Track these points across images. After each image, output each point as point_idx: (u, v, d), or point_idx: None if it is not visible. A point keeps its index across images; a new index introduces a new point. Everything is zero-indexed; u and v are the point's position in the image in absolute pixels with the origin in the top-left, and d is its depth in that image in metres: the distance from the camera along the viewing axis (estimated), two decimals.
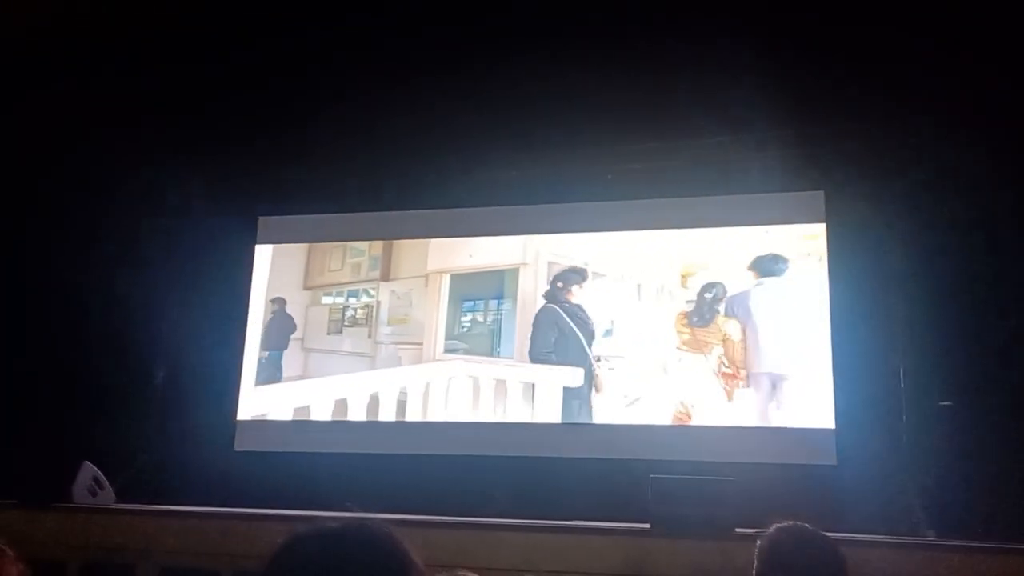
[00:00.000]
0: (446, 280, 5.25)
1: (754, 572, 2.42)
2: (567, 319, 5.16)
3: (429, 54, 5.17)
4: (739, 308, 3.96)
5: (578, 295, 5.12)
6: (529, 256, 5.10)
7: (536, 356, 5.39)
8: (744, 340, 3.81)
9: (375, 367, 5.80)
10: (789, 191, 5.67)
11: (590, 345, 5.15)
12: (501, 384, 5.23)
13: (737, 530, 3.88)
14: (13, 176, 5.86)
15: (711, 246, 4.60)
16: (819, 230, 4.81)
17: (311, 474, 5.62)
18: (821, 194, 5.55)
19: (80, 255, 5.98)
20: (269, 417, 6.02)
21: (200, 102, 5.65)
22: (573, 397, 5.27)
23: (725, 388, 3.73)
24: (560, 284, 5.21)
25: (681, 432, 5.43)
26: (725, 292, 4.06)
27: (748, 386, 3.95)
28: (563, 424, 5.64)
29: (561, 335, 5.19)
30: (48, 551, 4.48)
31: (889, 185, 5.26)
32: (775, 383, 3.89)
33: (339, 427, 5.99)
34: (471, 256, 5.20)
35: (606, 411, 5.28)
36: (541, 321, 5.28)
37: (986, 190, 4.90)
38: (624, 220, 5.95)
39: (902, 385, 5.11)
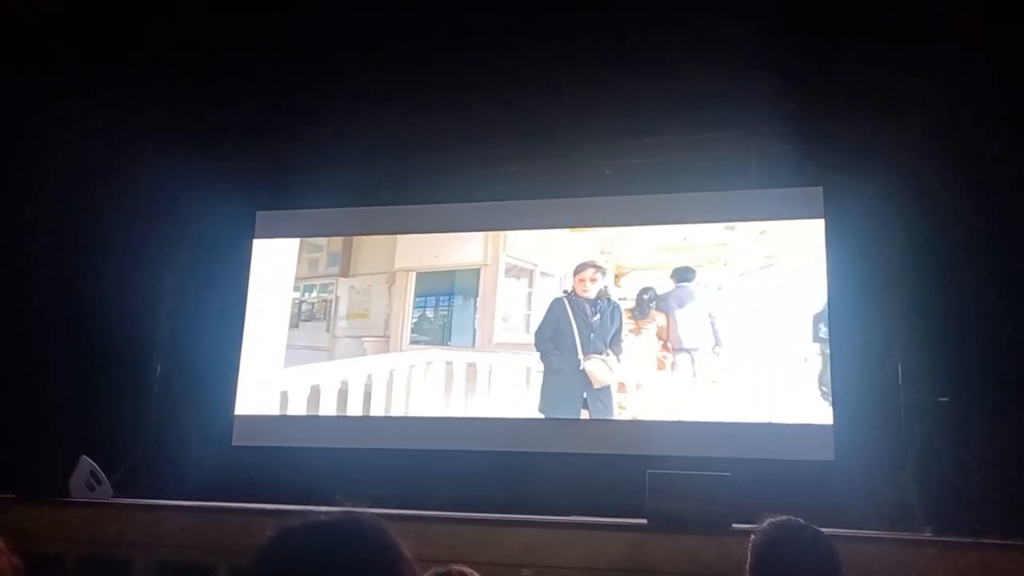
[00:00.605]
0: (412, 277, 5.63)
1: (748, 566, 2.42)
2: (568, 311, 5.43)
3: (423, 55, 5.16)
4: (664, 304, 5.04)
5: (587, 288, 5.45)
6: (490, 257, 5.54)
7: (537, 345, 5.59)
8: (668, 326, 4.95)
9: (333, 359, 5.98)
10: (788, 187, 5.68)
11: (584, 338, 5.37)
12: (472, 367, 5.55)
13: (734, 525, 3.89)
14: (11, 174, 5.85)
15: (640, 247, 5.38)
16: (728, 238, 5.31)
17: (309, 469, 5.61)
18: (820, 190, 5.56)
19: (78, 249, 5.98)
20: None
21: (199, 96, 5.63)
22: (575, 390, 5.45)
23: (659, 358, 4.89)
24: (573, 276, 5.56)
25: (679, 428, 5.45)
26: (656, 293, 5.06)
27: (675, 358, 5.01)
28: (560, 420, 5.66)
29: (558, 325, 5.46)
30: (46, 545, 4.48)
31: (888, 182, 5.25)
32: (692, 355, 4.94)
33: (337, 422, 6.00)
34: (436, 256, 5.62)
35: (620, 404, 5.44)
36: (547, 311, 5.55)
37: (985, 187, 4.90)
38: (621, 216, 5.96)
39: (900, 381, 5.11)
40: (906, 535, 4.21)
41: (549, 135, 5.72)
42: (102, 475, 5.00)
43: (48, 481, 4.83)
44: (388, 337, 5.85)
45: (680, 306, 5.00)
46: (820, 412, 5.19)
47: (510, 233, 5.85)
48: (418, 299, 5.83)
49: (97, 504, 4.81)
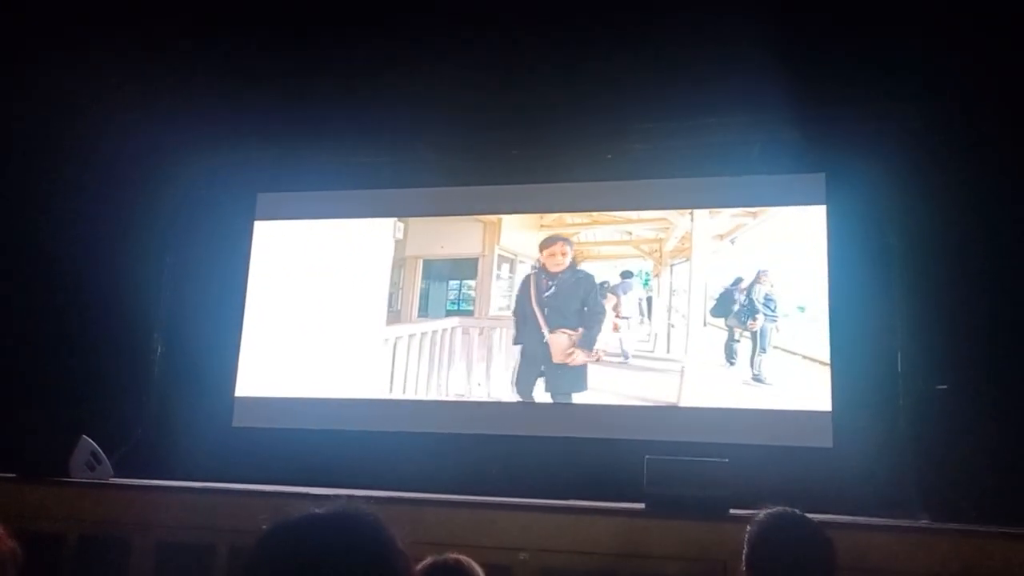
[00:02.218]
0: (420, 264, 6.20)
1: (743, 556, 2.43)
2: (531, 287, 6.01)
3: (424, 36, 5.13)
4: (615, 290, 5.88)
5: (558, 261, 6.01)
6: (487, 249, 6.12)
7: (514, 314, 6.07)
8: (617, 303, 5.81)
9: None
10: (790, 173, 5.67)
11: (543, 311, 5.91)
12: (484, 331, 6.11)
13: (731, 511, 3.90)
14: (11, 157, 5.84)
15: (593, 240, 6.10)
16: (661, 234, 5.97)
17: (308, 450, 5.64)
18: (822, 176, 5.55)
19: (78, 230, 5.97)
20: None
21: (200, 78, 5.60)
22: (534, 364, 5.90)
23: (614, 322, 5.79)
24: (543, 251, 6.07)
25: (678, 413, 5.48)
26: (610, 283, 5.86)
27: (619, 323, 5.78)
28: (558, 404, 5.70)
29: (523, 303, 6.00)
30: (46, 524, 4.51)
31: (890, 169, 5.24)
32: (628, 323, 5.79)
33: (336, 404, 6.02)
34: (442, 247, 6.21)
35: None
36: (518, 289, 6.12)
37: (988, 176, 4.88)
38: (624, 200, 6.00)
39: (899, 368, 5.11)
40: (903, 522, 4.21)
41: (550, 120, 5.70)
42: (102, 455, 5.00)
43: (49, 461, 4.84)
44: (399, 311, 6.27)
45: (624, 293, 5.85)
46: (819, 398, 5.23)
47: (501, 227, 6.20)
48: (424, 281, 6.28)
49: (97, 484, 4.82)
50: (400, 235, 6.34)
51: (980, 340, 4.80)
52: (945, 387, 4.85)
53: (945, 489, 4.59)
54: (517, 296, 5.99)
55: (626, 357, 5.73)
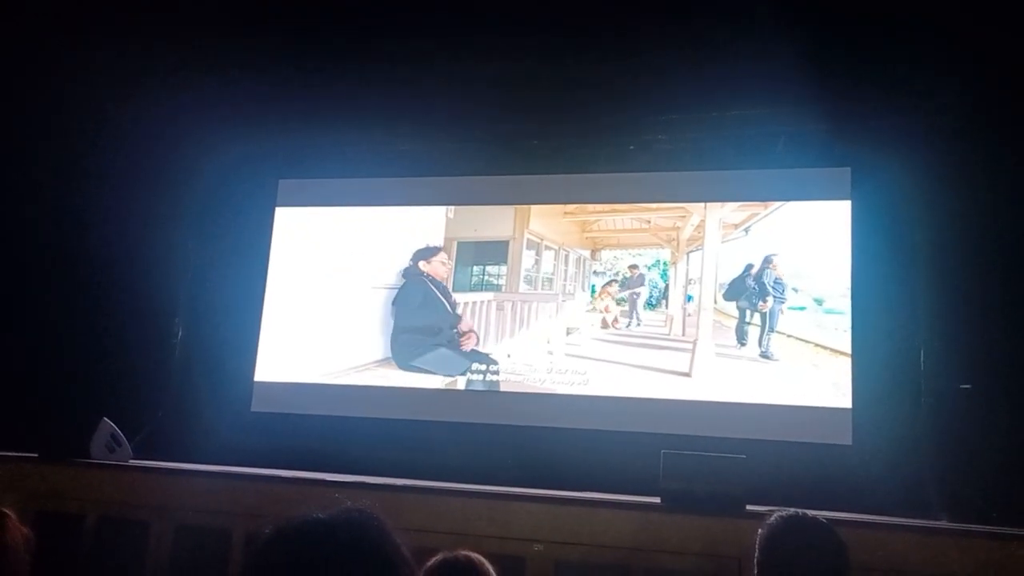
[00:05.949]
0: (455, 245, 6.35)
1: (755, 560, 2.40)
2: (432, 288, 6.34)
3: (448, 26, 5.11)
4: (625, 284, 6.05)
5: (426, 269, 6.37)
6: (517, 232, 6.29)
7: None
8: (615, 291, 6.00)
9: None
10: (815, 167, 5.61)
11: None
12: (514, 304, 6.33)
13: (748, 507, 3.87)
14: (43, 155, 5.89)
15: (613, 228, 6.27)
16: (679, 223, 6.06)
17: (326, 436, 5.67)
18: (847, 171, 5.49)
19: (102, 217, 6.02)
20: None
21: (223, 65, 5.61)
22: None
23: (617, 300, 6.06)
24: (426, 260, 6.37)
25: (696, 407, 5.46)
26: (618, 276, 6.10)
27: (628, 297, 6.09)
28: (575, 395, 5.68)
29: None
30: (66, 504, 4.56)
31: (916, 164, 5.17)
32: (636, 300, 5.99)
33: (355, 391, 6.04)
34: (475, 230, 6.39)
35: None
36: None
37: (1016, 174, 4.80)
38: (649, 192, 5.98)
39: (922, 366, 5.05)
40: (923, 522, 4.16)
41: (572, 111, 5.67)
42: (122, 438, 5.04)
43: (69, 442, 4.89)
44: None
45: (639, 284, 6.05)
46: (838, 395, 5.19)
47: (530, 213, 6.28)
48: (459, 262, 6.44)
49: (117, 466, 4.87)
50: (451, 215, 6.46)
51: (1005, 339, 4.73)
52: (968, 386, 4.79)
53: (966, 489, 4.54)
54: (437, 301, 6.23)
55: (635, 317, 5.98)
